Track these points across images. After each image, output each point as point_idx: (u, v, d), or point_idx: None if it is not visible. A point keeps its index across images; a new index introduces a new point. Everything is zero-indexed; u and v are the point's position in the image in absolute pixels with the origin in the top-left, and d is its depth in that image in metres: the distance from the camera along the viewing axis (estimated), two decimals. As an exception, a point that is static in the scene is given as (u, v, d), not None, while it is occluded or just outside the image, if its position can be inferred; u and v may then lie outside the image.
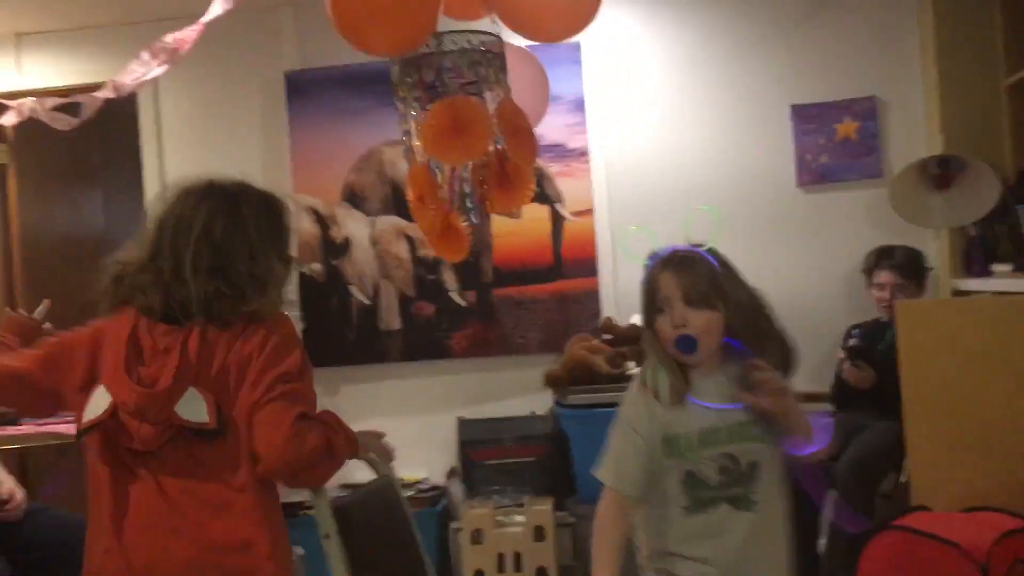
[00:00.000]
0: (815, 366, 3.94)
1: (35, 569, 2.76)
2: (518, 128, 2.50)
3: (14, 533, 2.77)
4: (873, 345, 3.57)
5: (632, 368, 3.85)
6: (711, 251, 1.84)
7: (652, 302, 1.80)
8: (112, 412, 1.76)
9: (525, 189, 2.60)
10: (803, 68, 4.09)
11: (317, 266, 4.24)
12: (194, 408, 1.74)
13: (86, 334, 1.87)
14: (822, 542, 3.33)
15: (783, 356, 1.85)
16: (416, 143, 2.49)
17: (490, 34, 2.43)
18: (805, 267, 4.06)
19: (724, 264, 1.83)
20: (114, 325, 1.84)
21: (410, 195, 2.65)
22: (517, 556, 3.61)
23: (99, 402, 1.77)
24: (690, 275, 1.78)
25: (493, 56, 2.45)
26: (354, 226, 4.26)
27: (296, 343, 1.83)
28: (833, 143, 4.05)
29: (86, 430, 1.78)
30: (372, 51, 2.34)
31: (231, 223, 1.86)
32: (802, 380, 4.01)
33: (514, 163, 2.53)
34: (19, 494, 2.83)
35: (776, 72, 4.10)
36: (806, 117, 4.06)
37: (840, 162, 4.05)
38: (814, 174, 4.07)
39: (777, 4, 4.10)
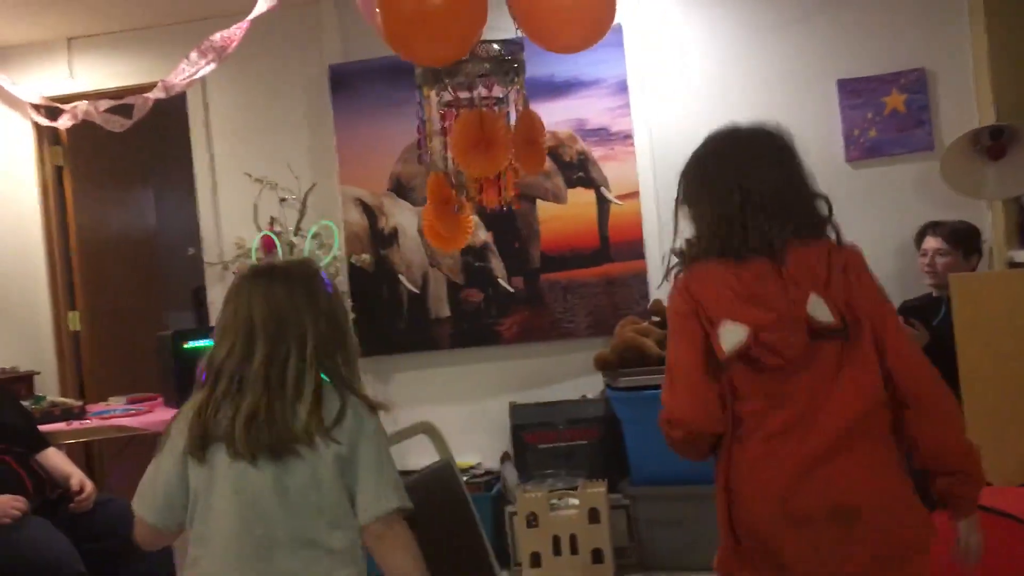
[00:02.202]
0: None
1: (105, 557, 2.85)
2: (533, 140, 2.64)
3: (86, 523, 2.87)
4: (928, 319, 3.52)
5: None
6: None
7: None
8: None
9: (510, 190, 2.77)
10: (848, 42, 4.04)
11: (366, 256, 4.29)
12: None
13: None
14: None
15: None
16: (433, 145, 2.64)
17: (515, 42, 2.50)
18: (855, 244, 4.01)
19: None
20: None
21: (429, 199, 2.80)
22: (572, 538, 3.64)
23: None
24: None
25: (519, 65, 2.55)
26: (401, 216, 4.31)
27: None
28: (882, 117, 3.99)
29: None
30: (420, 61, 2.42)
31: None
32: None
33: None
34: (89, 485, 2.92)
35: (821, 47, 4.05)
36: (853, 91, 4.01)
37: (889, 136, 3.99)
38: (862, 149, 4.02)
39: (820, -22, 4.05)
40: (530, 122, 2.64)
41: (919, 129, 3.97)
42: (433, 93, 2.66)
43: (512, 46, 2.55)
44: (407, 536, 1.77)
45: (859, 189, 4.02)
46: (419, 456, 3.38)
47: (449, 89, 2.56)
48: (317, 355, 1.76)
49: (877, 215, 4.00)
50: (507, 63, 2.55)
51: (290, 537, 1.72)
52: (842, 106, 4.02)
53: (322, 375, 1.78)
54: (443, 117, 2.66)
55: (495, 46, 2.53)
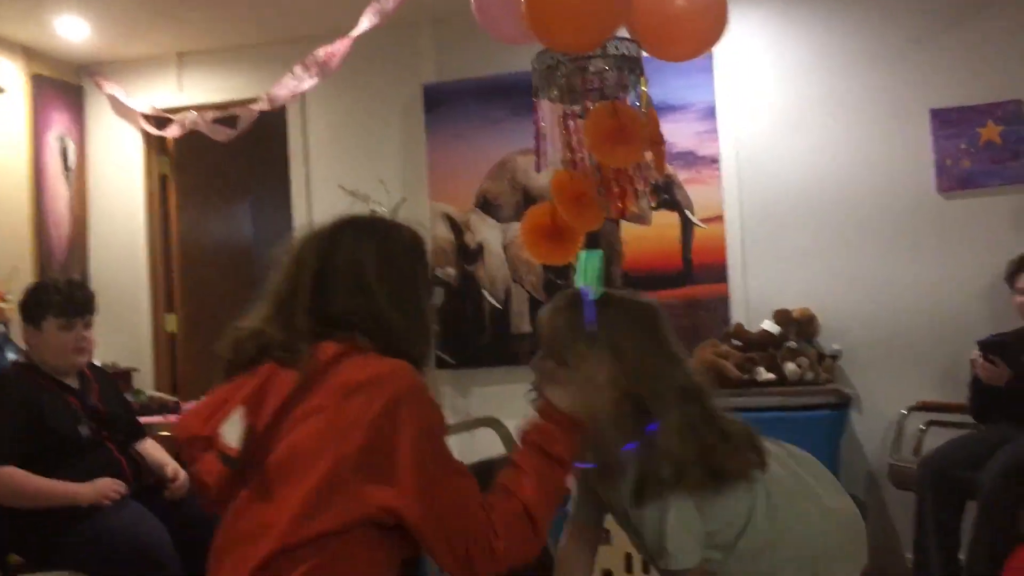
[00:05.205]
0: (957, 378, 3.83)
1: (194, 544, 2.95)
2: (658, 138, 2.59)
3: (178, 511, 2.98)
4: (1019, 353, 3.44)
5: (763, 374, 3.84)
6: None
7: None
8: None
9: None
10: (942, 72, 4.00)
11: (451, 271, 4.39)
12: None
13: None
14: (962, 557, 3.25)
15: None
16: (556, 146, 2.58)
17: (635, 42, 2.52)
18: (946, 276, 3.95)
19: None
20: None
21: (562, 197, 2.60)
22: (645, 557, 3.64)
23: None
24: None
25: (640, 64, 2.55)
26: (487, 232, 4.40)
27: None
28: (976, 147, 3.94)
29: None
30: (560, 46, 2.37)
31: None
32: (943, 392, 3.92)
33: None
34: (182, 475, 3.05)
35: (914, 76, 4.02)
36: (946, 121, 3.96)
37: (983, 167, 3.93)
38: (955, 180, 3.96)
39: (914, 10, 4.02)
40: (655, 119, 2.58)
41: (1015, 161, 3.90)
42: (547, 101, 2.56)
43: (633, 45, 2.53)
44: None
45: (950, 220, 3.97)
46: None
47: (573, 84, 2.46)
48: None
49: (968, 247, 3.94)
50: (631, 61, 2.50)
51: None
52: (935, 136, 3.98)
53: None
54: (564, 118, 2.56)
55: (618, 45, 2.48)
